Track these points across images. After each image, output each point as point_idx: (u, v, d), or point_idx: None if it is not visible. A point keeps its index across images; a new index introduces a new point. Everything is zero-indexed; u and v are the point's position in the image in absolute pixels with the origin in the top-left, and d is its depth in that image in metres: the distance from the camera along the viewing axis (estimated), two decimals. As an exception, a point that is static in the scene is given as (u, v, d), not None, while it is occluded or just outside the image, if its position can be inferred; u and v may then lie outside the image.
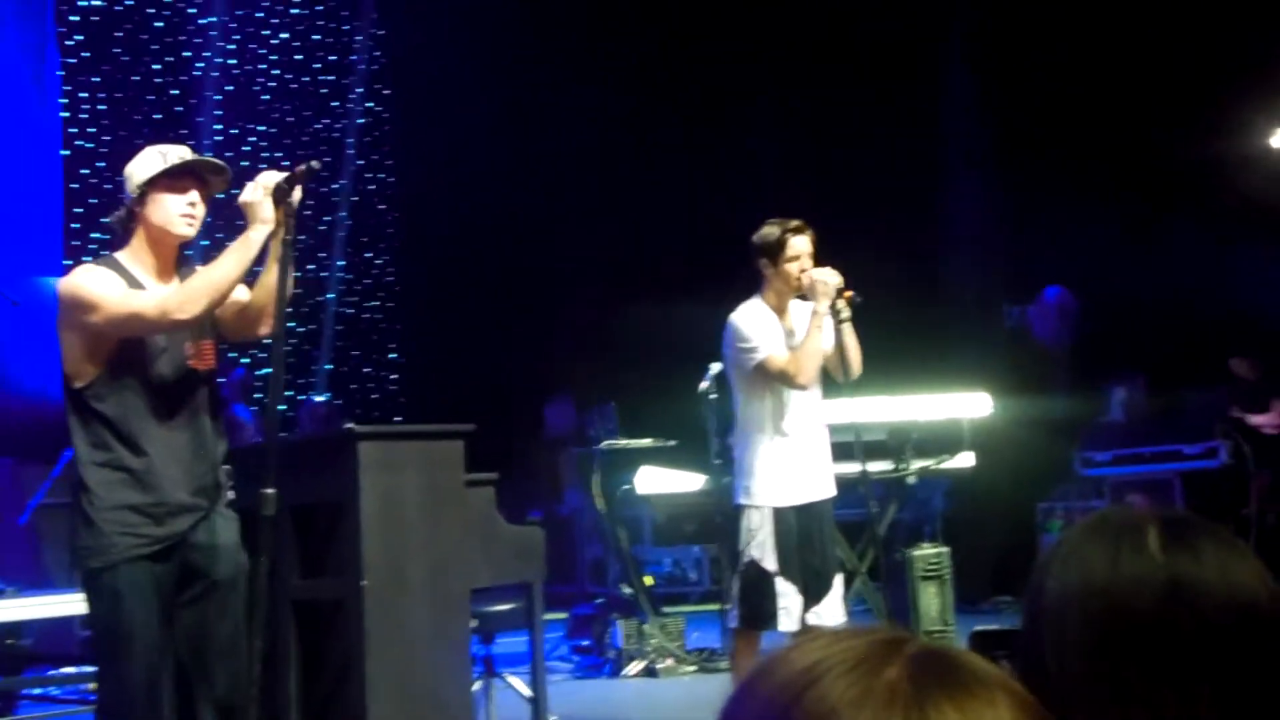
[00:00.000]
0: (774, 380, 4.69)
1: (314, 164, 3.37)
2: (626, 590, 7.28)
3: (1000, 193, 9.92)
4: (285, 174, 3.42)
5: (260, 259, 3.49)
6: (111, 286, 3.41)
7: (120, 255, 3.54)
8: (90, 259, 3.62)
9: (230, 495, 3.59)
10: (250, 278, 3.59)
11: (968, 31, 10.03)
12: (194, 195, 3.49)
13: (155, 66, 11.01)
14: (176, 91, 11.06)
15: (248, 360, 9.87)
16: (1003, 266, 9.99)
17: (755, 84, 10.59)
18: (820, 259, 4.79)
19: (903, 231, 10.11)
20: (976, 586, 8.59)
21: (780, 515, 4.67)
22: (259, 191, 3.38)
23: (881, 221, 9.91)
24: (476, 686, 4.74)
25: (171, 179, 3.48)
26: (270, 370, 3.57)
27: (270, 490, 3.25)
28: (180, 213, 3.48)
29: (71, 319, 3.42)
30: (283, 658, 4.00)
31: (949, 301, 10.14)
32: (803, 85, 10.42)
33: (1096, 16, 9.52)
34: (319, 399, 10.13)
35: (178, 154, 3.51)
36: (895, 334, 9.23)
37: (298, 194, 3.38)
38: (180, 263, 3.64)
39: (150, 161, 3.49)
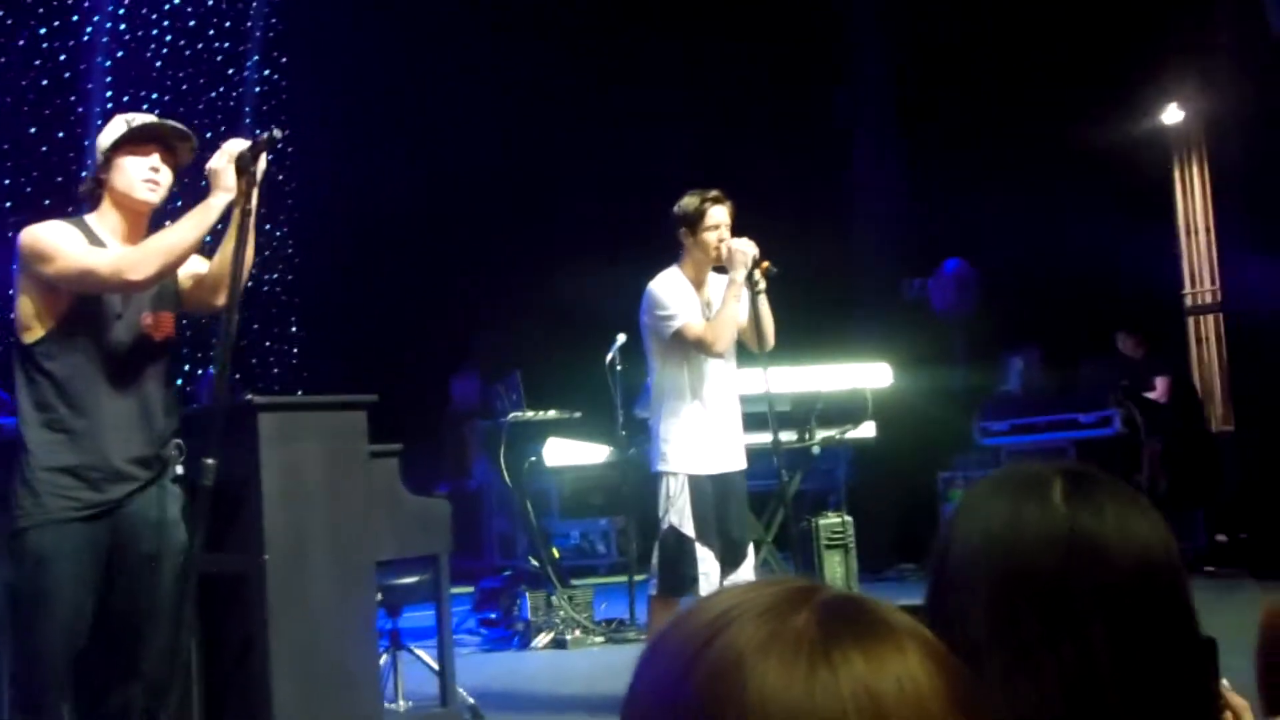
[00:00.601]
0: (691, 348, 4.72)
1: (276, 132, 3.35)
2: (534, 563, 7.27)
3: (903, 167, 10.04)
4: (249, 142, 3.40)
5: (223, 228, 3.48)
6: (70, 240, 3.38)
7: (89, 217, 3.52)
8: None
9: (178, 470, 3.52)
10: (212, 249, 3.58)
11: (875, 6, 10.10)
12: (155, 160, 3.47)
13: (41, 31, 10.65)
14: (64, 57, 10.72)
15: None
16: (905, 239, 10.12)
17: (664, 54, 10.56)
18: (735, 230, 4.82)
19: (807, 204, 10.18)
20: (879, 555, 8.73)
21: (697, 482, 4.71)
22: (223, 159, 3.36)
23: (786, 193, 9.97)
24: (383, 660, 4.70)
25: (134, 144, 3.47)
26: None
27: (210, 460, 3.23)
28: (142, 177, 3.46)
29: (27, 269, 3.39)
30: (180, 632, 3.92)
31: (852, 273, 10.25)
32: (711, 56, 10.42)
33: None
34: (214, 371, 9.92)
35: (142, 120, 3.51)
36: (799, 305, 9.31)
37: (262, 164, 3.36)
38: (151, 232, 3.58)
39: (114, 128, 3.49)
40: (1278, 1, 7.22)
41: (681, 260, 4.84)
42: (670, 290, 4.75)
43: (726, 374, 4.84)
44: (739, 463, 4.86)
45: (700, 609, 0.82)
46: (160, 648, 3.39)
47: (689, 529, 4.67)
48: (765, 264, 4.74)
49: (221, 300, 3.54)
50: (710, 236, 4.75)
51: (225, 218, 3.47)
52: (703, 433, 4.75)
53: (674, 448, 4.74)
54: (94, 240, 3.43)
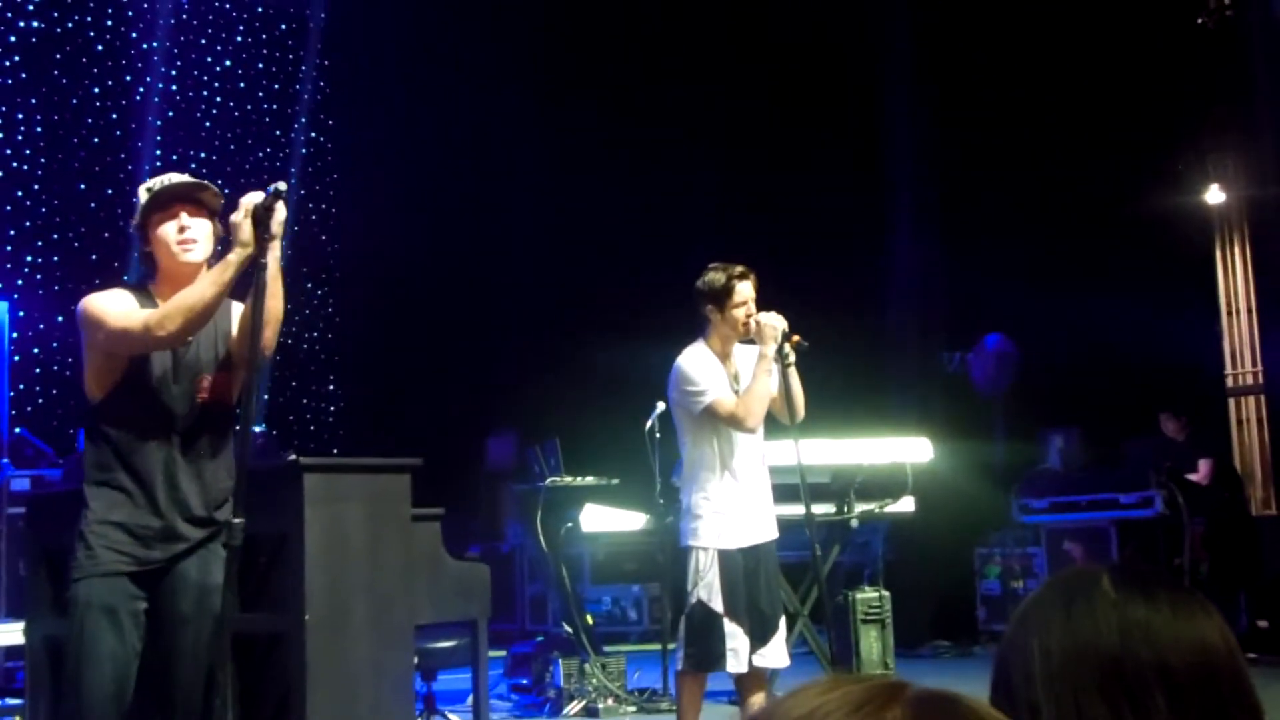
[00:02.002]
0: (722, 423, 4.70)
1: (280, 186, 3.35)
2: (567, 628, 7.21)
3: (943, 241, 10.04)
4: (264, 195, 3.39)
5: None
6: (116, 304, 3.46)
7: (150, 284, 3.59)
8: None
9: (237, 522, 3.48)
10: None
11: (913, 83, 10.17)
12: (184, 219, 3.50)
13: (94, 90, 10.86)
14: (115, 116, 10.92)
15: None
16: (944, 314, 10.10)
17: (704, 128, 10.66)
18: (765, 304, 4.83)
19: (847, 278, 10.19)
20: (915, 630, 8.62)
21: (727, 557, 4.68)
22: (240, 213, 3.37)
23: (826, 268, 10.00)
24: (416, 725, 4.66)
25: (159, 210, 3.51)
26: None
27: (238, 520, 3.20)
28: (176, 240, 3.50)
29: (85, 336, 3.49)
30: (224, 692, 3.90)
31: (892, 346, 10.22)
32: (751, 131, 10.50)
33: (1039, 71, 9.71)
34: (256, 430, 9.98)
35: (158, 184, 3.55)
36: (839, 378, 9.30)
37: (280, 214, 3.35)
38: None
39: (139, 199, 3.55)
40: None
41: (708, 334, 4.84)
42: (699, 366, 4.75)
43: (756, 445, 4.82)
44: (770, 533, 4.83)
45: (784, 708, 0.81)
46: (189, 709, 3.38)
47: (718, 604, 4.64)
48: (796, 337, 4.74)
49: (267, 347, 3.51)
50: (739, 313, 4.75)
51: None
52: (733, 506, 4.73)
53: (705, 523, 4.71)
54: (149, 305, 3.48)
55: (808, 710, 0.79)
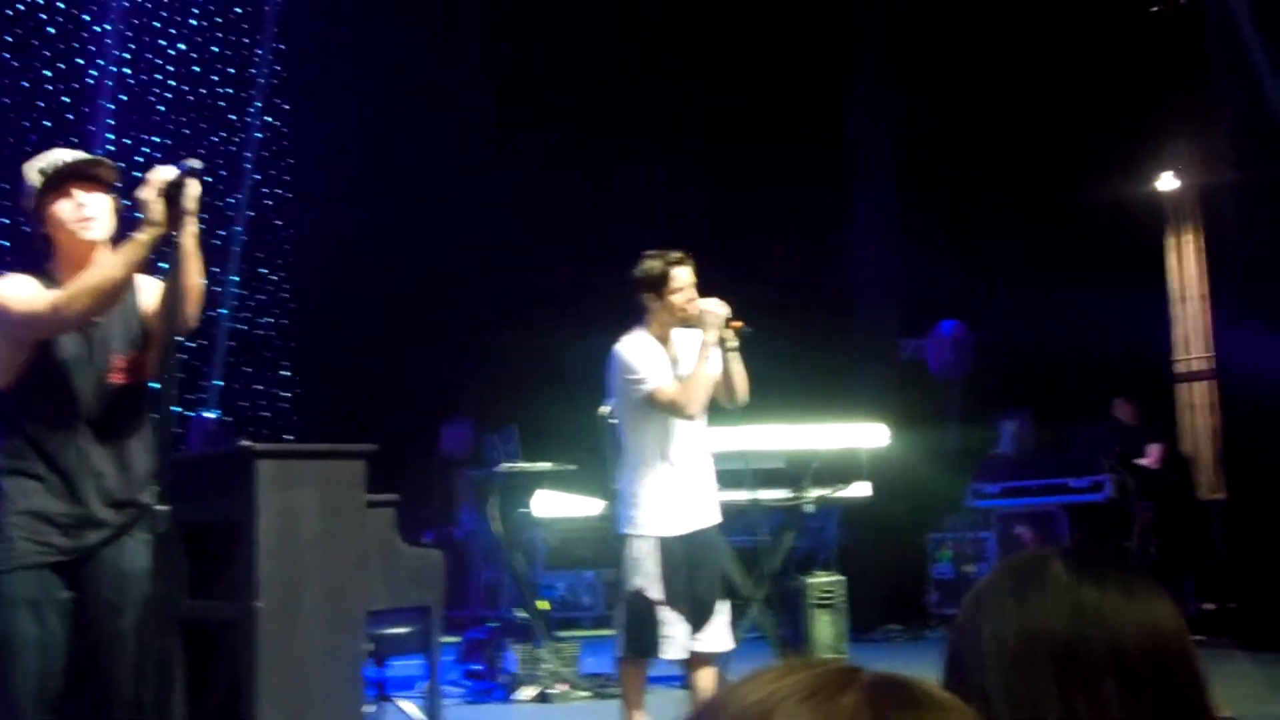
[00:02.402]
0: (663, 411, 4.70)
1: (194, 162, 3.27)
2: (520, 614, 7.22)
3: (900, 229, 10.10)
4: (177, 171, 3.29)
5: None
6: (19, 289, 3.35)
7: (51, 267, 3.48)
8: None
9: (162, 509, 3.44)
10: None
11: (876, 72, 10.21)
12: (81, 196, 3.41)
13: (46, 73, 10.72)
14: (68, 99, 10.78)
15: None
16: (901, 300, 10.16)
17: (664, 114, 10.65)
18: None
19: (806, 264, 10.23)
20: (867, 614, 8.69)
21: (665, 545, 4.67)
22: (150, 190, 3.27)
23: (785, 254, 10.02)
24: (369, 710, 4.65)
25: (52, 190, 3.41)
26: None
27: (163, 507, 3.10)
28: (74, 218, 3.41)
29: None
30: (168, 679, 3.88)
31: (849, 333, 10.28)
32: (712, 117, 10.51)
33: (997, 61, 9.77)
34: (209, 415, 9.91)
35: (50, 160, 3.44)
36: (796, 363, 9.36)
37: (194, 190, 3.25)
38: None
39: (32, 181, 3.44)
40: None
41: (646, 321, 4.80)
42: (639, 353, 4.73)
43: (696, 432, 4.81)
44: (712, 518, 4.82)
45: (738, 694, 0.81)
46: (130, 699, 3.33)
47: (655, 593, 4.64)
48: (737, 323, 4.74)
49: (186, 324, 3.45)
50: (678, 299, 4.73)
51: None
52: (671, 494, 4.72)
53: (643, 511, 4.70)
54: (54, 288, 3.37)
55: (761, 697, 0.79)
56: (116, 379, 3.44)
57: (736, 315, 4.75)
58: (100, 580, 3.37)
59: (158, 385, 3.53)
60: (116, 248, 3.38)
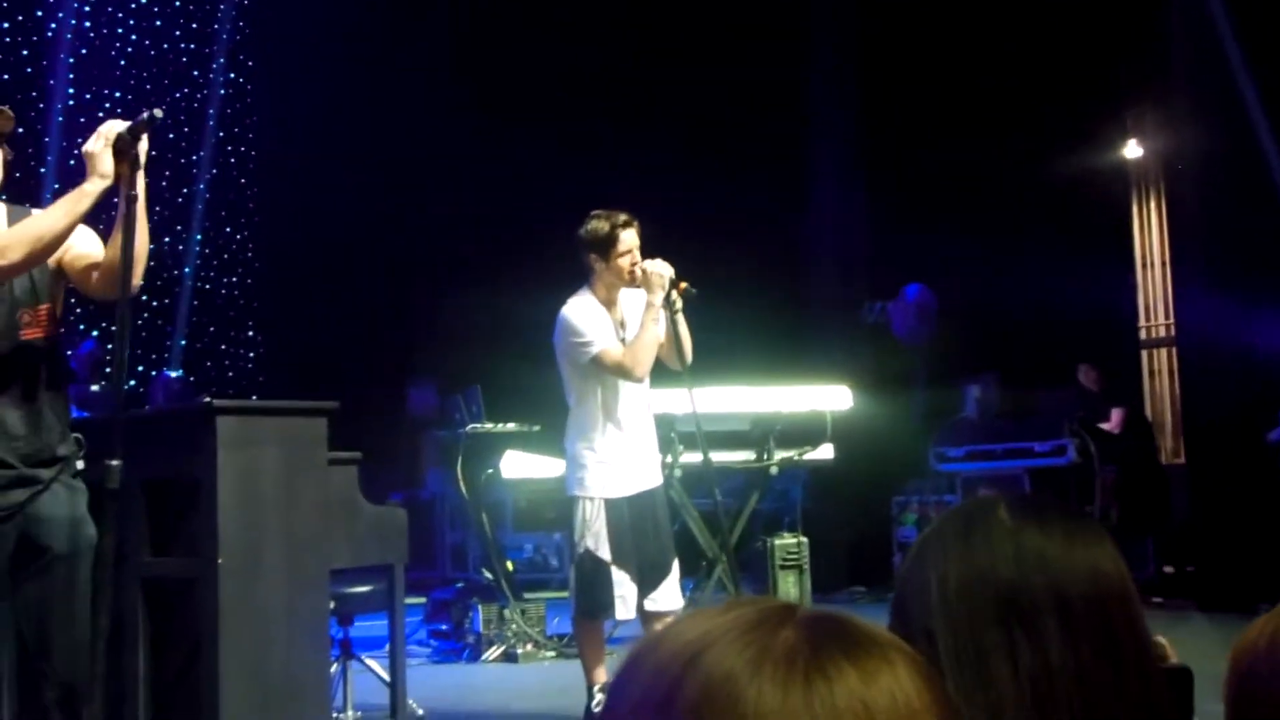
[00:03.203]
0: (609, 373, 4.71)
1: (156, 112, 3.16)
2: (487, 575, 7.22)
3: (866, 191, 10.10)
4: (128, 124, 3.21)
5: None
6: None
7: None
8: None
9: (79, 465, 3.43)
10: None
11: (838, 35, 10.18)
12: None
13: (3, 25, 10.54)
14: (26, 52, 10.61)
15: (97, 333, 9.54)
16: (866, 263, 10.17)
17: (624, 79, 10.58)
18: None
19: (770, 227, 10.23)
20: (832, 576, 8.75)
21: (613, 506, 4.72)
22: (99, 142, 3.17)
23: (750, 217, 10.01)
24: (333, 669, 4.65)
25: None
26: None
27: (115, 462, 3.07)
28: None
29: None
30: (130, 637, 3.86)
31: (814, 295, 10.29)
32: (674, 82, 10.45)
33: (963, 26, 9.75)
34: (173, 374, 9.83)
35: None
36: (762, 326, 9.37)
37: (143, 146, 3.17)
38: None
39: None
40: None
41: (593, 283, 4.82)
42: (585, 316, 4.74)
43: (641, 394, 4.84)
44: (655, 480, 4.88)
45: (674, 632, 0.81)
46: (74, 649, 3.29)
47: (605, 553, 4.69)
48: (683, 284, 4.74)
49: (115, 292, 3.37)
50: (624, 261, 4.74)
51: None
52: (619, 456, 4.76)
53: (590, 473, 4.75)
54: None
55: (699, 633, 0.79)
56: (27, 335, 3.34)
57: (692, 275, 4.77)
58: (46, 530, 3.31)
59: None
60: (56, 199, 3.31)
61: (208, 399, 4.00)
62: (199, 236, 11.20)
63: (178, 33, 11.46)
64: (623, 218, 4.77)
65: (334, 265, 10.92)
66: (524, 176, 10.59)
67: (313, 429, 4.01)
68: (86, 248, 3.41)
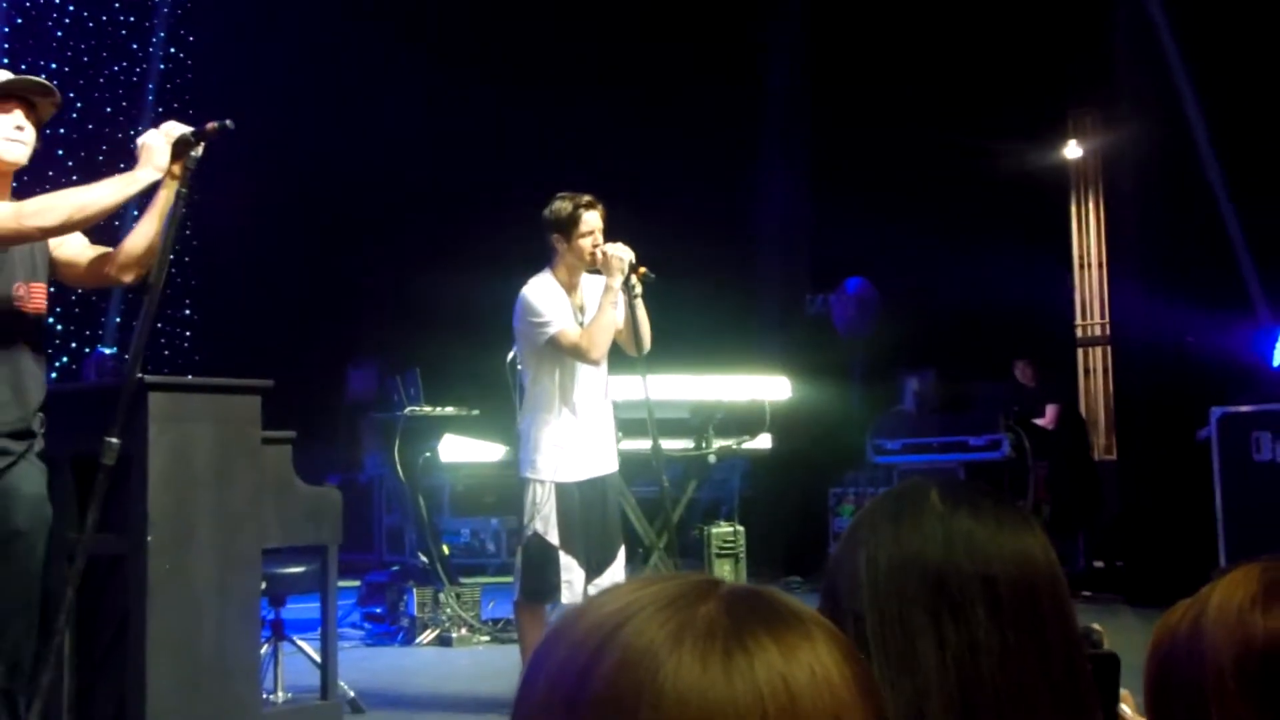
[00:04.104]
0: (566, 355, 4.70)
1: (228, 123, 3.28)
2: (423, 559, 7.19)
3: (810, 185, 10.14)
4: (193, 128, 3.38)
5: (141, 206, 3.47)
6: None
7: None
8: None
9: (39, 444, 3.43)
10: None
11: (789, 27, 10.21)
12: (19, 117, 3.38)
13: (-64, -8, 10.32)
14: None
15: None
16: (809, 256, 10.22)
17: (571, 61, 10.55)
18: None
19: (715, 216, 10.24)
20: (768, 566, 8.79)
21: (564, 490, 4.70)
22: (160, 138, 3.31)
23: (694, 204, 10.02)
24: (264, 650, 4.60)
25: None
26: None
27: (114, 439, 3.19)
28: (5, 135, 3.37)
29: None
30: (55, 613, 3.80)
31: (756, 286, 10.32)
32: (620, 66, 10.43)
33: (910, 23, 9.82)
34: (107, 351, 9.68)
35: (2, 76, 3.41)
36: (703, 314, 9.38)
37: (200, 150, 3.34)
38: (15, 193, 3.51)
39: None
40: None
41: (554, 265, 4.81)
42: (544, 297, 4.73)
43: (598, 378, 4.83)
44: (610, 466, 4.85)
45: (596, 604, 0.80)
46: (26, 628, 3.28)
47: (553, 536, 4.67)
48: (642, 269, 4.74)
49: (130, 277, 3.54)
50: (585, 243, 4.73)
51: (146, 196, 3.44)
52: (572, 440, 4.74)
53: (543, 455, 4.72)
54: None
55: (620, 606, 0.78)
56: (19, 307, 3.40)
57: (642, 261, 4.75)
58: (10, 505, 3.34)
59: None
60: (104, 179, 3.37)
61: (139, 375, 3.94)
62: (135, 212, 11.01)
63: (116, 4, 11.26)
64: (586, 199, 4.76)
65: (274, 245, 10.79)
66: (469, 159, 10.53)
67: (246, 407, 3.98)
68: (75, 243, 3.54)
